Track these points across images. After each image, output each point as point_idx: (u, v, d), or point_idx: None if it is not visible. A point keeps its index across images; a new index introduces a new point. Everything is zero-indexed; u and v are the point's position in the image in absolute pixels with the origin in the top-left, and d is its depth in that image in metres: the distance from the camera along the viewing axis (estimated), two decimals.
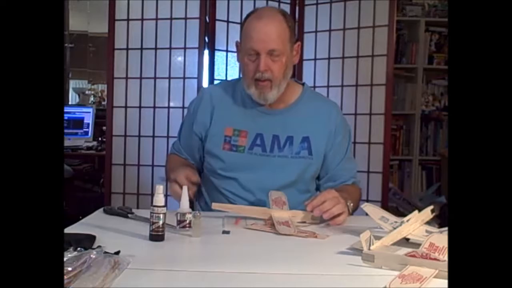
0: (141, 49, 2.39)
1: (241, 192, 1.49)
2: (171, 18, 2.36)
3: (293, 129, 1.51)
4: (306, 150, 1.50)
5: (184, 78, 2.36)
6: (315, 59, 2.48)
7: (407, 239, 1.09)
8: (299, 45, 1.53)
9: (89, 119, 3.81)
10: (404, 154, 3.79)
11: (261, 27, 1.42)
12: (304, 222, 1.30)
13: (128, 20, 2.39)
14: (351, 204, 1.38)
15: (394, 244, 1.04)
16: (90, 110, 3.89)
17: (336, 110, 1.61)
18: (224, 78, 2.41)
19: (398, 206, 3.42)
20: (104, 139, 2.95)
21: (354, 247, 1.03)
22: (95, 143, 3.67)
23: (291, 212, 1.31)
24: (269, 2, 2.43)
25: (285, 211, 1.30)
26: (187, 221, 1.17)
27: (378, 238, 1.00)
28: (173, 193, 1.34)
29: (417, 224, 1.12)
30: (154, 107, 2.38)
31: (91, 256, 0.86)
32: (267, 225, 1.25)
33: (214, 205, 1.34)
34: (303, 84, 1.62)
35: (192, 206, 1.24)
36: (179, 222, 1.17)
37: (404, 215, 1.15)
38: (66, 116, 3.71)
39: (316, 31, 2.48)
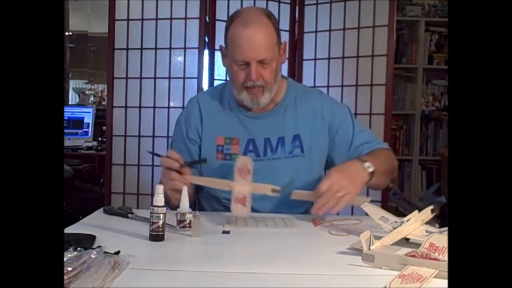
0: (141, 49, 2.39)
1: None
2: (171, 18, 2.36)
3: (283, 129, 1.50)
4: (298, 148, 1.49)
5: (184, 78, 2.36)
6: (315, 59, 2.48)
7: (407, 239, 1.09)
8: (285, 44, 1.49)
9: (89, 119, 3.81)
10: (404, 154, 3.79)
11: (249, 35, 1.36)
12: (266, 195, 1.29)
13: (128, 20, 2.39)
14: (371, 167, 1.34)
15: (394, 244, 1.04)
16: (90, 110, 3.89)
17: (320, 97, 1.57)
18: (224, 78, 2.41)
19: (398, 206, 3.42)
20: (104, 139, 2.96)
21: (354, 247, 1.03)
22: (95, 143, 3.67)
23: (252, 184, 1.28)
24: (269, 2, 2.43)
25: (247, 182, 1.27)
26: (187, 221, 1.17)
27: (378, 238, 1.00)
28: (171, 185, 1.28)
29: (417, 224, 1.12)
30: (154, 107, 2.38)
31: (91, 256, 0.86)
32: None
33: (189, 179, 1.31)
34: (286, 78, 1.58)
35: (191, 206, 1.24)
36: (179, 222, 1.17)
37: (404, 215, 1.15)
38: (66, 116, 3.72)
39: (316, 31, 2.48)
